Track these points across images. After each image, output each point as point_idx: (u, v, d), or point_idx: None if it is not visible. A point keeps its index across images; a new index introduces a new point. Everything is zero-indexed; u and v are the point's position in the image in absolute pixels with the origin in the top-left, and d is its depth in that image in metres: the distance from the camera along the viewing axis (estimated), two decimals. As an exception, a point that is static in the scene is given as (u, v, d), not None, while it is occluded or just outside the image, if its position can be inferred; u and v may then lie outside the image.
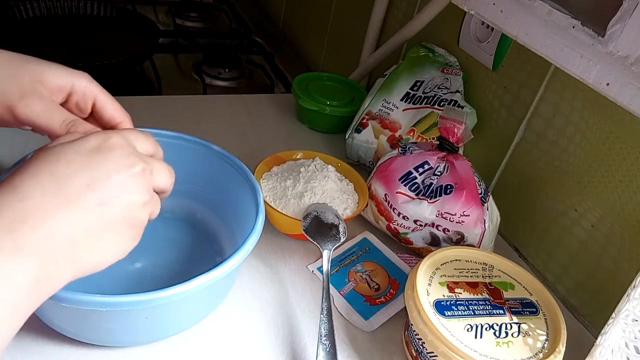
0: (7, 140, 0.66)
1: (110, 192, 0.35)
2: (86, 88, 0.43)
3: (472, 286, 0.52)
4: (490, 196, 0.61)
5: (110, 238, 0.35)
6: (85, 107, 0.44)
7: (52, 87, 0.42)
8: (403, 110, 0.73)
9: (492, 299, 0.51)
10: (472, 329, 0.47)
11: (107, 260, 0.36)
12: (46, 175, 0.33)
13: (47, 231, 0.31)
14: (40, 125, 0.41)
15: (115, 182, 0.35)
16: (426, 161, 0.61)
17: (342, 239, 0.57)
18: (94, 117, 0.45)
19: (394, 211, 0.60)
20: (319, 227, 0.57)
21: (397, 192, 0.60)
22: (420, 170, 0.61)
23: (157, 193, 0.40)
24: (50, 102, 0.41)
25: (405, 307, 0.51)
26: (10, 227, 0.30)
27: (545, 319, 0.50)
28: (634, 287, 0.43)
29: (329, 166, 0.65)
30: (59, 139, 0.37)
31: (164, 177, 0.40)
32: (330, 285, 0.54)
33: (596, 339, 0.45)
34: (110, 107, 0.44)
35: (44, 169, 0.33)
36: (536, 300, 0.52)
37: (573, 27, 0.52)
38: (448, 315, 0.48)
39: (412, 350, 0.50)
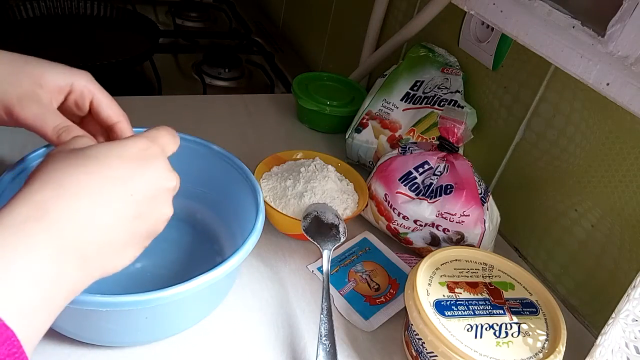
0: (7, 140, 0.66)
1: (148, 207, 0.35)
2: (85, 87, 0.44)
3: (472, 286, 0.52)
4: (490, 196, 0.61)
5: (131, 248, 0.36)
6: (83, 105, 0.44)
7: (51, 88, 0.42)
8: (403, 110, 0.73)
9: (492, 299, 0.51)
10: (472, 329, 0.47)
11: (119, 267, 0.36)
12: (89, 177, 0.33)
13: (86, 236, 0.31)
14: (33, 129, 0.41)
15: (154, 196, 0.36)
16: (426, 161, 0.61)
17: (342, 239, 0.57)
18: (92, 116, 0.46)
19: (394, 211, 0.60)
20: (319, 227, 0.57)
21: (397, 192, 0.60)
22: (420, 170, 0.61)
23: None
24: (47, 106, 0.42)
25: (405, 307, 0.51)
26: (53, 228, 0.30)
27: (545, 319, 0.50)
28: (634, 287, 0.43)
29: (329, 166, 0.65)
30: (73, 142, 0.37)
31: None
32: (330, 285, 0.54)
33: (596, 339, 0.45)
34: (107, 107, 0.45)
35: (83, 170, 0.33)
36: (536, 300, 0.52)
37: (573, 27, 0.52)
38: (448, 315, 0.48)
39: (412, 350, 0.50)
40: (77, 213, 0.31)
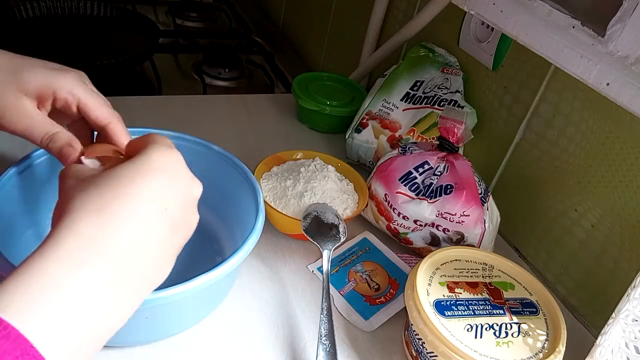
0: (7, 140, 0.66)
1: (182, 219, 0.35)
2: (68, 94, 0.42)
3: (472, 286, 0.52)
4: (490, 196, 0.61)
5: (171, 260, 0.35)
6: (70, 111, 0.44)
7: (35, 97, 0.42)
8: (403, 110, 0.73)
9: (492, 299, 0.51)
10: (472, 329, 0.47)
11: (162, 281, 0.35)
12: (129, 200, 0.32)
13: (137, 261, 0.31)
14: (22, 137, 0.42)
15: (184, 207, 0.35)
16: (426, 161, 0.61)
17: (342, 239, 0.57)
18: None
19: (394, 211, 0.60)
20: (319, 227, 0.57)
21: (397, 192, 0.60)
22: (420, 170, 0.61)
23: None
24: (33, 115, 0.41)
25: (405, 307, 0.51)
26: (107, 256, 0.30)
27: (545, 319, 0.50)
28: (634, 287, 0.43)
29: (329, 166, 0.65)
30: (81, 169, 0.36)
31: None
32: (330, 285, 0.54)
33: (596, 339, 0.45)
34: (94, 110, 0.43)
35: (122, 192, 0.32)
36: (536, 300, 0.52)
37: (573, 27, 0.52)
38: (448, 315, 0.48)
39: (412, 350, 0.50)
40: (124, 239, 0.31)
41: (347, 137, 0.76)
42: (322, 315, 0.49)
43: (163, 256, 0.34)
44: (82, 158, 0.40)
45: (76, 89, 0.43)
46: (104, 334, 0.30)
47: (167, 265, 0.35)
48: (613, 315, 0.44)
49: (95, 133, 0.46)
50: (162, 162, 0.35)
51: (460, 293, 0.51)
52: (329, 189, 0.62)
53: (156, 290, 0.41)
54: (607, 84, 0.50)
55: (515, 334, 0.48)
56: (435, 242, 0.61)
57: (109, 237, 0.30)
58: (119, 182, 0.32)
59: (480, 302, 0.50)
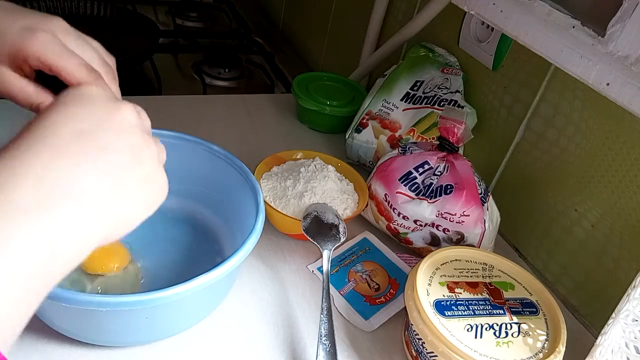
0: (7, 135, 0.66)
1: (109, 137, 0.32)
2: (37, 62, 0.38)
3: (472, 286, 0.52)
4: (490, 196, 0.61)
5: (128, 189, 0.33)
6: (49, 71, 0.39)
7: (9, 63, 0.38)
8: (403, 110, 0.73)
9: (492, 299, 0.51)
10: (472, 329, 0.47)
11: (133, 217, 0.34)
12: (37, 136, 0.30)
13: (59, 185, 0.29)
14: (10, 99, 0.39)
15: (110, 125, 0.33)
16: (426, 161, 0.61)
17: (342, 239, 0.57)
18: None
19: (394, 211, 0.60)
20: (319, 227, 0.57)
21: (397, 192, 0.60)
22: (420, 170, 0.61)
23: None
24: (12, 82, 0.38)
25: (405, 307, 0.51)
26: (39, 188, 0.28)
27: (545, 319, 0.50)
28: (634, 287, 0.43)
29: (329, 166, 0.65)
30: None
31: (145, 114, 0.38)
32: (330, 285, 0.54)
33: (596, 339, 0.45)
34: (68, 76, 0.38)
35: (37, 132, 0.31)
36: (536, 300, 0.52)
37: (573, 27, 0.52)
38: (448, 315, 0.48)
39: (412, 350, 0.50)
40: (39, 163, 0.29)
41: (347, 137, 0.76)
42: (322, 315, 0.49)
43: (105, 176, 0.31)
44: None
45: (45, 53, 0.38)
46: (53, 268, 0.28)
47: (118, 193, 0.32)
48: (613, 315, 0.44)
49: None
50: (72, 94, 0.34)
51: (460, 293, 0.51)
52: (329, 189, 0.62)
53: (156, 290, 0.41)
54: (607, 84, 0.50)
55: (515, 334, 0.48)
56: (435, 242, 0.61)
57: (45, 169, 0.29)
58: (36, 121, 0.32)
59: (480, 302, 0.50)
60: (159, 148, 0.38)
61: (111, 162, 0.32)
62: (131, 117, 0.35)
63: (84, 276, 0.51)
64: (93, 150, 0.31)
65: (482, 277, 0.53)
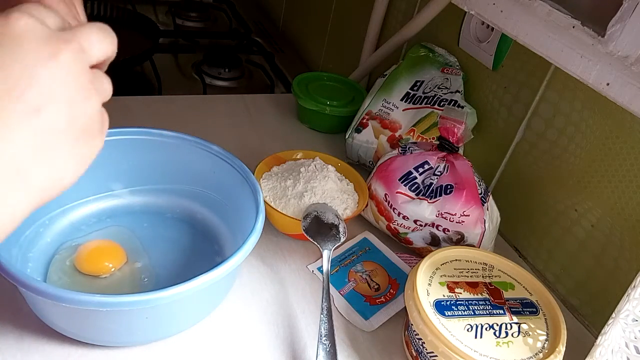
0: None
1: (42, 95, 0.27)
2: None
3: (472, 286, 0.52)
4: (490, 196, 0.61)
5: (61, 149, 0.28)
6: None
7: None
8: (403, 110, 0.73)
9: (492, 299, 0.51)
10: (472, 329, 0.47)
11: (67, 176, 0.29)
12: None
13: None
14: None
15: (44, 79, 0.27)
16: (426, 161, 0.61)
17: (342, 239, 0.57)
18: None
19: (394, 211, 0.60)
20: (319, 227, 0.57)
21: (397, 192, 0.60)
22: (420, 170, 0.61)
23: (98, 67, 0.31)
24: None
25: (405, 307, 0.51)
26: None
27: (545, 319, 0.50)
28: (634, 287, 0.43)
29: (329, 166, 0.65)
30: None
31: (100, 44, 0.30)
32: (330, 285, 0.54)
33: (596, 339, 0.45)
34: None
35: None
36: (536, 300, 0.52)
37: (573, 27, 0.52)
38: (448, 315, 0.48)
39: (412, 350, 0.50)
40: None
41: (347, 137, 0.76)
42: (322, 315, 0.49)
43: (29, 146, 0.26)
44: None
45: None
46: None
47: (47, 157, 0.28)
48: (613, 315, 0.44)
49: None
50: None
51: (460, 293, 0.51)
52: (329, 189, 0.62)
53: (156, 290, 0.41)
54: (607, 84, 0.50)
55: (515, 334, 0.48)
56: (435, 242, 0.61)
57: None
58: None
59: (480, 302, 0.50)
60: (103, 83, 0.31)
61: (42, 125, 0.27)
62: (72, 63, 0.28)
63: (81, 277, 0.51)
64: (20, 114, 0.26)
65: (482, 277, 0.53)
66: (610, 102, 0.50)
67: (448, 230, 0.59)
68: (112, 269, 0.52)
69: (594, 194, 0.59)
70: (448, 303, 0.49)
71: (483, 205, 0.58)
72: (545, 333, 0.49)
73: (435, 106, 0.71)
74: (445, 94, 0.72)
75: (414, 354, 0.49)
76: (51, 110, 0.27)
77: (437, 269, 0.53)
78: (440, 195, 0.58)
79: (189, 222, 0.60)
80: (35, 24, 0.27)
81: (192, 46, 1.13)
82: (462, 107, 0.70)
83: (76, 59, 0.28)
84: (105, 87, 0.31)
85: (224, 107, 0.86)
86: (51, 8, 0.29)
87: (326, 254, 0.55)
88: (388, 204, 0.61)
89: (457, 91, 0.72)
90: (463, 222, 0.58)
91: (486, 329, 0.48)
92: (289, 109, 0.89)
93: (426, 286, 0.51)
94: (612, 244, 0.57)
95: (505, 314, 0.50)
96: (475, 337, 0.47)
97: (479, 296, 0.51)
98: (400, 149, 0.64)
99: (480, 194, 0.59)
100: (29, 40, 0.26)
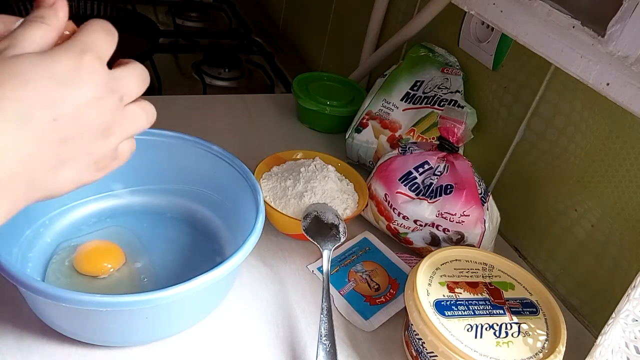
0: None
1: (75, 129, 0.31)
2: None
3: (472, 286, 0.52)
4: (490, 196, 0.61)
5: (67, 172, 0.32)
6: None
7: None
8: (403, 110, 0.73)
9: (492, 299, 0.51)
10: (472, 329, 0.47)
11: (60, 192, 0.33)
12: (10, 94, 0.29)
13: (9, 168, 0.29)
14: None
15: (83, 117, 0.31)
16: (426, 161, 0.61)
17: (342, 239, 0.57)
18: None
19: (394, 211, 0.60)
20: (319, 227, 0.57)
21: (397, 192, 0.60)
22: (420, 170, 0.61)
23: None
24: None
25: (405, 307, 0.51)
26: None
27: (545, 319, 0.50)
28: (634, 287, 0.43)
29: (329, 166, 0.65)
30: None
31: (136, 87, 0.35)
32: (330, 285, 0.54)
33: (596, 339, 0.45)
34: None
35: (6, 86, 0.29)
36: (536, 300, 0.52)
37: (573, 27, 0.52)
38: (448, 315, 0.48)
39: (412, 350, 0.50)
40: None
41: (347, 137, 0.76)
42: (322, 315, 0.49)
43: (46, 166, 0.31)
44: None
45: None
46: None
47: (54, 175, 0.31)
48: (613, 315, 0.44)
49: None
50: (63, 66, 0.31)
51: (460, 293, 0.51)
52: (329, 189, 0.62)
53: (156, 290, 0.41)
54: (607, 84, 0.50)
55: (515, 334, 0.48)
56: (435, 242, 0.61)
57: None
58: (11, 78, 0.29)
59: (480, 302, 0.50)
60: (136, 119, 0.35)
61: (63, 151, 0.31)
62: (93, 90, 0.31)
63: (79, 278, 0.51)
64: (51, 142, 0.30)
65: (482, 277, 0.53)
66: (610, 102, 0.50)
67: (448, 230, 0.59)
68: (111, 270, 0.52)
69: (594, 194, 0.59)
70: (448, 303, 0.49)
71: (483, 205, 0.58)
72: (545, 333, 0.49)
73: (435, 106, 0.71)
74: (445, 94, 0.72)
75: (414, 354, 0.49)
76: (75, 144, 0.31)
77: (437, 269, 0.53)
78: (440, 195, 0.58)
79: (189, 222, 0.60)
80: (97, 65, 0.32)
81: (192, 46, 1.13)
82: (462, 107, 0.70)
83: (113, 107, 0.33)
84: (138, 122, 0.35)
85: (224, 107, 0.86)
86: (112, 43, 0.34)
87: (326, 254, 0.55)
88: (388, 204, 0.61)
89: (457, 91, 0.72)
90: (463, 222, 0.58)
91: (486, 329, 0.48)
92: (289, 109, 0.89)
93: (426, 286, 0.51)
94: (612, 244, 0.57)
95: (505, 314, 0.50)
96: (475, 337, 0.47)
97: (479, 296, 0.51)
98: (400, 149, 0.64)
99: (480, 194, 0.59)
100: (91, 81, 0.31)
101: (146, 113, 0.36)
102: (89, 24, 0.33)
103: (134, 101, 0.35)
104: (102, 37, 0.33)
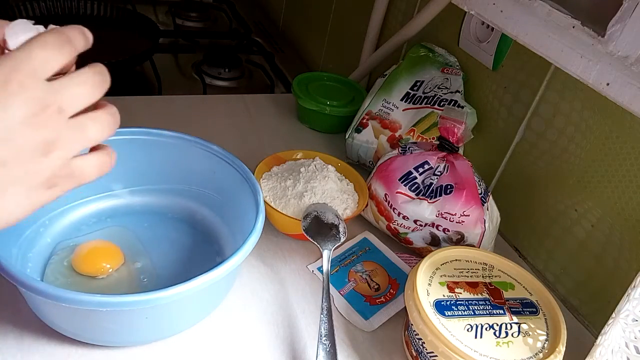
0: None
1: (9, 151, 0.29)
2: None
3: (472, 286, 0.52)
4: (490, 196, 0.61)
5: (13, 196, 0.31)
6: None
7: None
8: (403, 110, 0.73)
9: (492, 299, 0.51)
10: (472, 329, 0.47)
11: (13, 218, 0.32)
12: None
13: None
14: None
15: (17, 137, 0.29)
16: (426, 161, 0.61)
17: (342, 239, 0.57)
18: None
19: (394, 211, 0.60)
20: (319, 227, 0.57)
21: (397, 192, 0.60)
22: (420, 170, 0.61)
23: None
24: None
25: (405, 307, 0.51)
26: None
27: (545, 319, 0.50)
28: (634, 287, 0.43)
29: (329, 166, 0.65)
30: None
31: (82, 96, 0.32)
32: (330, 285, 0.54)
33: (596, 339, 0.45)
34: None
35: None
36: (536, 300, 0.52)
37: (573, 27, 0.52)
38: (448, 315, 0.48)
39: (412, 350, 0.50)
40: None
41: (347, 137, 0.76)
42: (322, 315, 0.49)
43: None
44: None
45: None
46: None
47: (9, 197, 0.30)
48: (613, 315, 0.44)
49: None
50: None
51: (460, 293, 0.51)
52: (329, 189, 0.62)
53: (156, 290, 0.41)
54: (607, 84, 0.50)
55: (515, 334, 0.48)
56: (435, 242, 0.61)
57: None
58: None
59: (480, 302, 0.50)
60: (85, 129, 0.32)
61: (4, 175, 0.30)
62: (25, 109, 0.29)
63: (78, 278, 0.51)
64: None
65: (482, 277, 0.53)
66: (610, 102, 0.50)
67: (448, 230, 0.59)
68: (110, 270, 0.52)
69: (594, 194, 0.59)
70: (448, 303, 0.49)
71: (483, 205, 0.58)
72: (545, 333, 0.49)
73: (435, 106, 0.71)
74: (445, 94, 0.72)
75: (414, 354, 0.49)
76: (13, 165, 0.30)
77: (437, 269, 0.53)
78: (440, 195, 0.58)
79: (189, 222, 0.60)
80: (32, 79, 0.30)
81: (192, 46, 1.13)
82: (462, 107, 0.70)
83: (50, 120, 0.30)
84: (88, 134, 0.32)
85: (224, 107, 0.86)
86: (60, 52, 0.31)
87: (326, 254, 0.55)
88: (388, 204, 0.61)
89: (457, 91, 0.72)
90: (463, 222, 0.58)
91: (486, 329, 0.48)
92: (289, 109, 0.89)
93: (426, 286, 0.51)
94: (612, 244, 0.57)
95: (505, 314, 0.50)
96: (475, 337, 0.47)
97: (479, 296, 0.51)
98: (400, 149, 0.64)
99: (480, 194, 0.59)
100: (22, 96, 0.29)
101: (99, 123, 0.33)
102: (41, 36, 0.31)
103: (84, 111, 0.32)
104: (42, 50, 0.30)
